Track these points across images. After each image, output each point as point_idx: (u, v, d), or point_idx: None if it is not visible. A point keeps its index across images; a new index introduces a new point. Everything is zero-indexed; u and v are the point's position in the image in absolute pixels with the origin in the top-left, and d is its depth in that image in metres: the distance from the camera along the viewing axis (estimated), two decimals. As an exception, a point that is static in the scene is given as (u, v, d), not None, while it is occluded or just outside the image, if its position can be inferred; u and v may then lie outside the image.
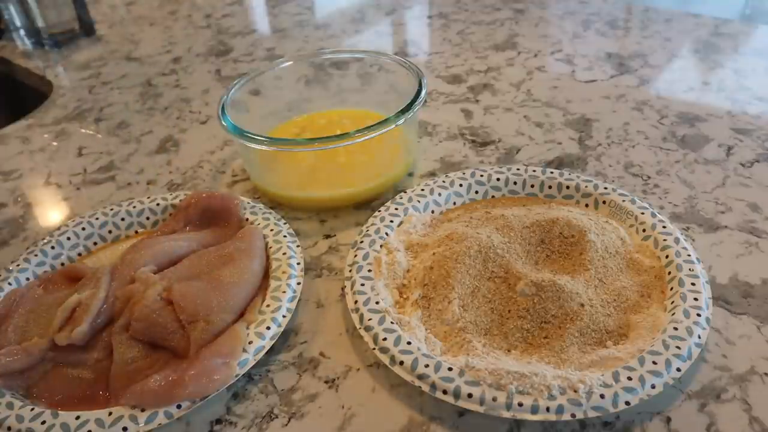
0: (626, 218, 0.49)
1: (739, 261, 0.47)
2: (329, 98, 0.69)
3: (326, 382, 0.41)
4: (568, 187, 0.52)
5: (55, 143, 0.74)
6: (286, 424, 0.39)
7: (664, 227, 0.47)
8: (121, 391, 0.38)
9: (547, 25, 0.94)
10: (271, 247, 0.48)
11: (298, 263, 0.47)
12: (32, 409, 0.38)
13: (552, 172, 0.53)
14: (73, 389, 0.40)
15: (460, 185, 0.54)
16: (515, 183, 0.54)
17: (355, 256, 0.46)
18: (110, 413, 0.37)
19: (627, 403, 0.35)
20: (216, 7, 1.15)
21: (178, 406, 0.37)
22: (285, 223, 0.51)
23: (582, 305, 0.41)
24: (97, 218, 0.53)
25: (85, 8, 1.03)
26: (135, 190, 0.63)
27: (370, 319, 0.41)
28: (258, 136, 0.52)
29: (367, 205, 0.57)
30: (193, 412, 0.39)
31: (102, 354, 0.41)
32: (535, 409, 0.35)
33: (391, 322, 0.41)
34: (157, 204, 0.54)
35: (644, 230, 0.47)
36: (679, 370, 0.36)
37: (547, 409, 0.35)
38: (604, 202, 0.50)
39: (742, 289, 0.45)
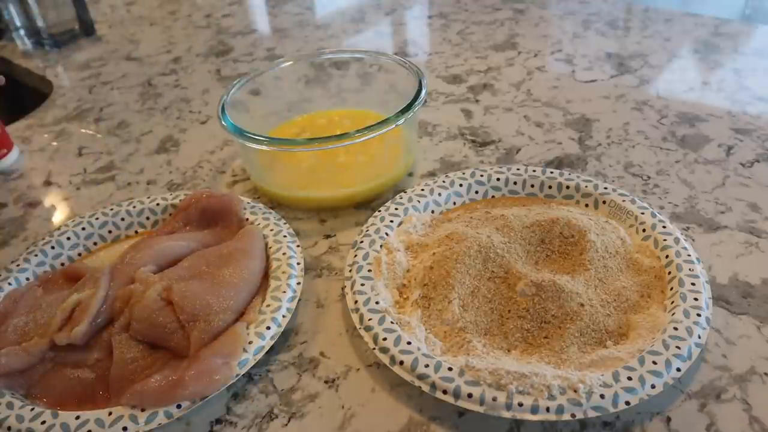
0: (626, 218, 0.49)
1: (739, 261, 0.47)
2: (329, 98, 0.69)
3: (326, 382, 0.41)
4: (568, 187, 0.52)
5: (55, 143, 0.74)
6: (286, 424, 0.39)
7: (664, 227, 0.47)
8: (121, 391, 0.38)
9: (547, 25, 0.94)
10: (271, 247, 0.48)
11: (298, 263, 0.47)
12: (32, 409, 0.38)
13: (552, 172, 0.53)
14: (73, 389, 0.40)
15: (460, 185, 0.53)
16: (515, 183, 0.54)
17: (355, 256, 0.46)
18: (110, 413, 0.37)
19: (627, 403, 0.35)
20: (216, 7, 1.15)
21: (178, 406, 0.37)
22: (285, 223, 0.51)
23: (582, 305, 0.41)
24: (97, 218, 0.53)
25: (85, 8, 1.03)
26: (135, 190, 0.63)
27: (370, 319, 0.41)
28: (258, 136, 0.52)
29: (367, 205, 0.57)
30: (193, 412, 0.39)
31: (102, 354, 0.42)
32: (535, 409, 0.35)
33: (391, 322, 0.41)
34: (157, 204, 0.54)
35: (644, 230, 0.47)
36: (679, 370, 0.36)
37: (547, 409, 0.35)
38: (604, 202, 0.50)
39: (742, 289, 0.45)
